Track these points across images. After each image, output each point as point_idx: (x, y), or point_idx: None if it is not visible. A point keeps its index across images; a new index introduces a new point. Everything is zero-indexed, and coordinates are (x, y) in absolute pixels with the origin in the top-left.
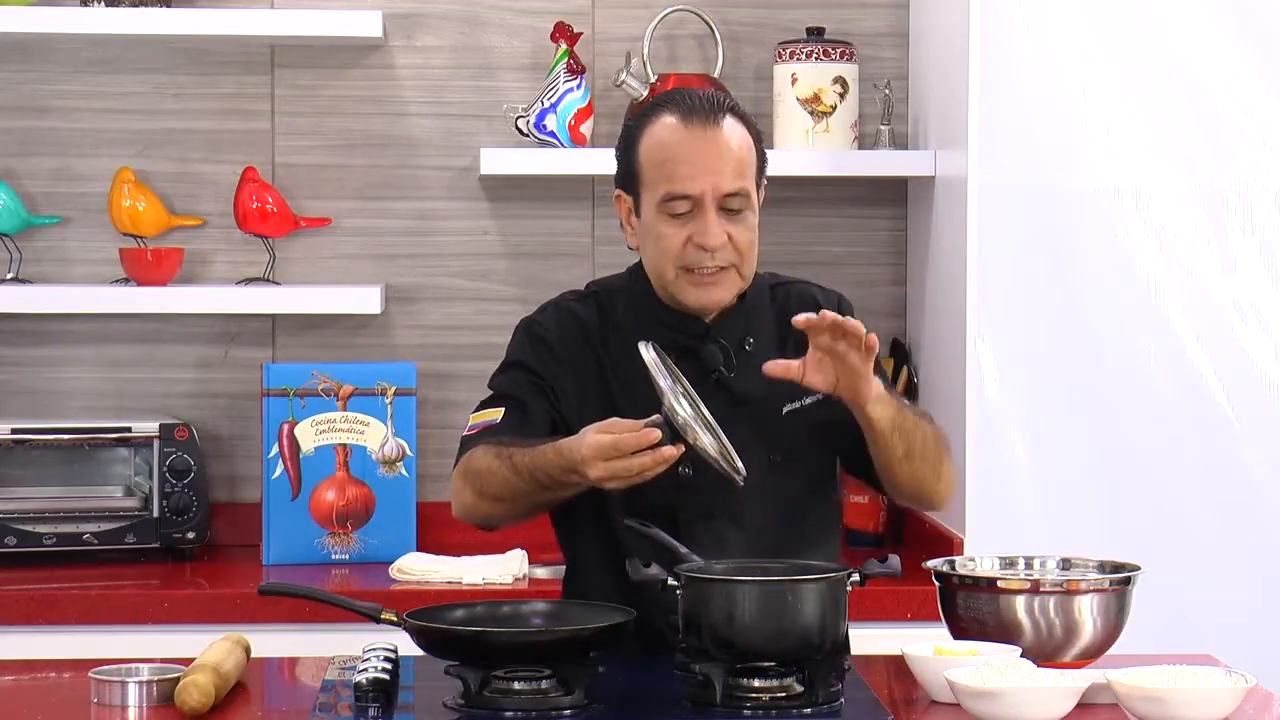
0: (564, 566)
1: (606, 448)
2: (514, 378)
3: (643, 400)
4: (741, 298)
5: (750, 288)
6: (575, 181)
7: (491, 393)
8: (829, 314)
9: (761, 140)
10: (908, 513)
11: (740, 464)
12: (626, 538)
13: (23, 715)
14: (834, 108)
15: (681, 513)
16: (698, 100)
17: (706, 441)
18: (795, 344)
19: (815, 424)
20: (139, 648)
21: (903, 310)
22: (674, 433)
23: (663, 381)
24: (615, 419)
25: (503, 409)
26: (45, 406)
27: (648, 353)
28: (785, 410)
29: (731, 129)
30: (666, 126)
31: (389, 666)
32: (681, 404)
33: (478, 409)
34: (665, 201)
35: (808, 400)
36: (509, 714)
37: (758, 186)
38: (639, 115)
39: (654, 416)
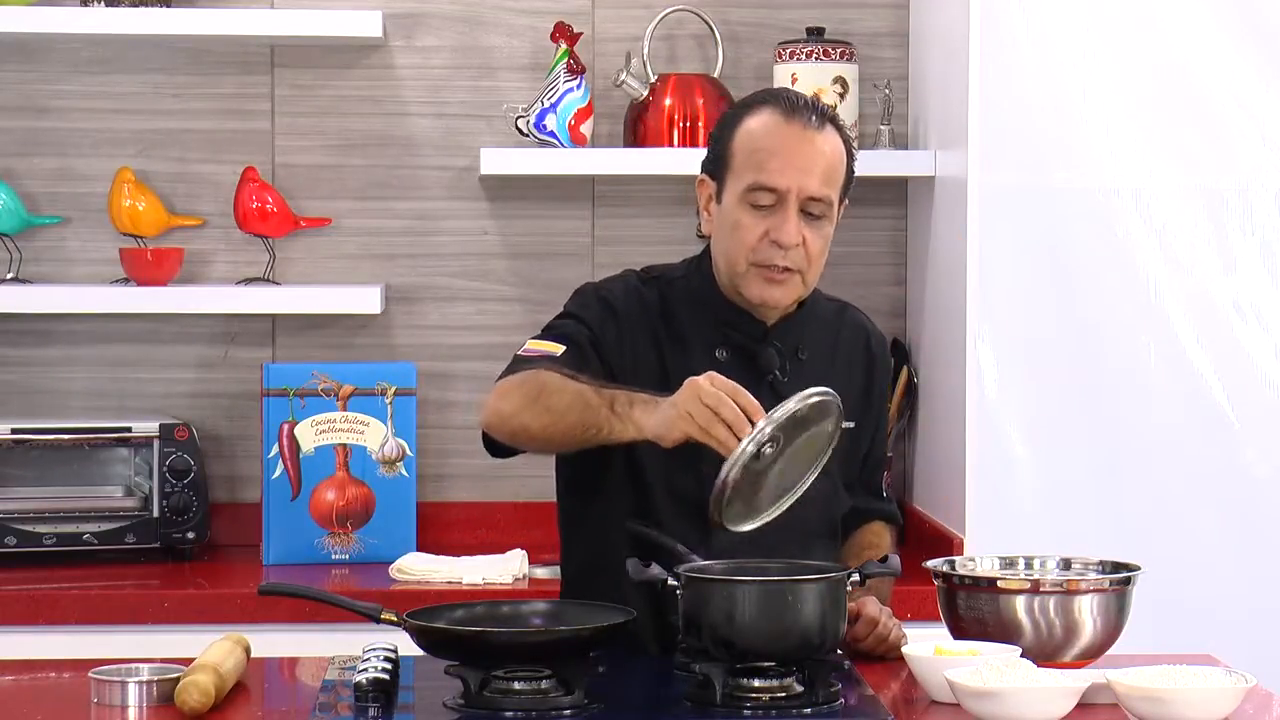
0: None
1: (730, 384)
2: (578, 328)
3: None
4: (799, 306)
5: (808, 299)
6: (575, 181)
7: (549, 331)
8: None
9: (854, 160)
10: (908, 513)
11: (719, 517)
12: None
13: (23, 715)
14: (834, 108)
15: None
16: (804, 101)
17: (728, 471)
18: (844, 362)
19: (846, 447)
20: (139, 648)
21: (903, 310)
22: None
23: (781, 414)
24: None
25: (564, 348)
26: (45, 406)
27: (826, 399)
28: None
29: (830, 137)
30: (767, 118)
31: (389, 666)
32: (763, 435)
33: (535, 338)
34: (750, 191)
35: (845, 425)
36: (509, 714)
37: (840, 203)
38: (741, 103)
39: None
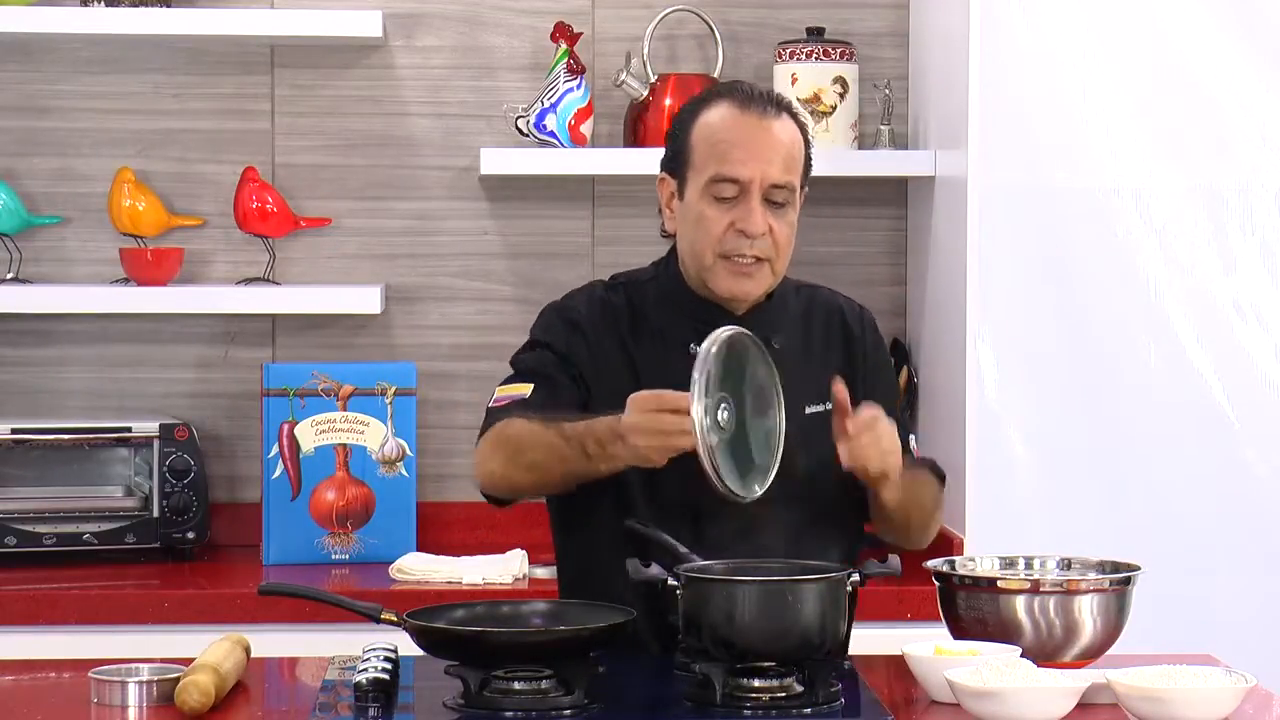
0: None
1: (649, 399)
2: (541, 356)
3: (662, 385)
4: (769, 296)
5: (776, 288)
6: (575, 181)
7: (516, 371)
8: (842, 399)
9: (811, 146)
10: None
11: (730, 495)
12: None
13: (23, 715)
14: (834, 108)
15: (703, 506)
16: (758, 92)
17: (701, 450)
18: (819, 346)
19: (829, 430)
20: (139, 648)
21: (903, 310)
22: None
23: (699, 367)
24: (666, 390)
25: (531, 385)
26: (45, 406)
27: (729, 333)
28: (808, 411)
29: (786, 124)
30: (723, 112)
31: (389, 666)
32: (702, 404)
33: (503, 384)
34: (712, 183)
35: (825, 407)
36: (509, 714)
37: (801, 189)
38: (695, 99)
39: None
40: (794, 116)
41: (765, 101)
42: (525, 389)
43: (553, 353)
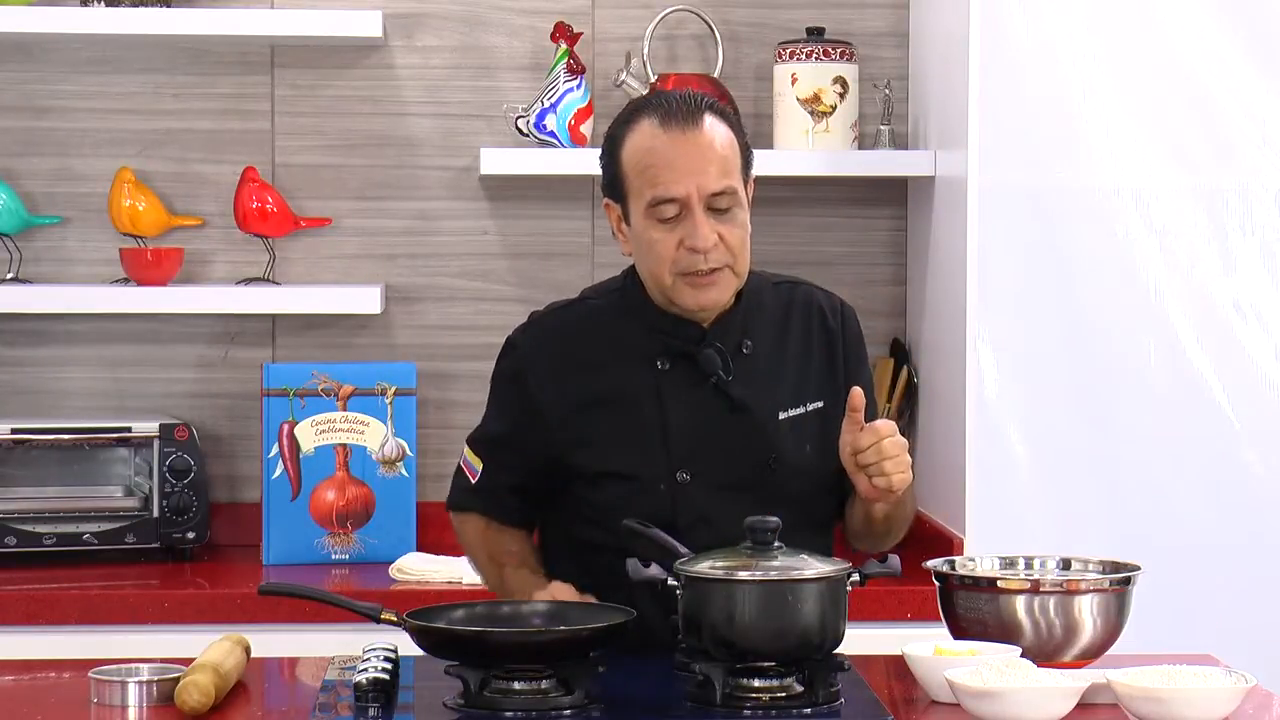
0: None
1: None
2: (497, 429)
3: (630, 402)
4: (738, 299)
5: (747, 287)
6: (575, 181)
7: (479, 432)
8: (858, 402)
9: (745, 135)
10: None
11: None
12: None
13: (23, 715)
14: (834, 108)
15: (680, 518)
16: (676, 101)
17: None
18: (798, 346)
19: (811, 432)
20: (139, 648)
21: (903, 310)
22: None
23: None
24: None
25: (483, 465)
26: (45, 406)
27: None
28: (782, 417)
29: (713, 127)
30: (646, 131)
31: (389, 666)
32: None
33: (469, 441)
34: (652, 206)
35: (805, 409)
36: (509, 714)
37: (745, 182)
38: (618, 122)
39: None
40: (720, 114)
41: (685, 111)
42: (478, 465)
43: (507, 418)
